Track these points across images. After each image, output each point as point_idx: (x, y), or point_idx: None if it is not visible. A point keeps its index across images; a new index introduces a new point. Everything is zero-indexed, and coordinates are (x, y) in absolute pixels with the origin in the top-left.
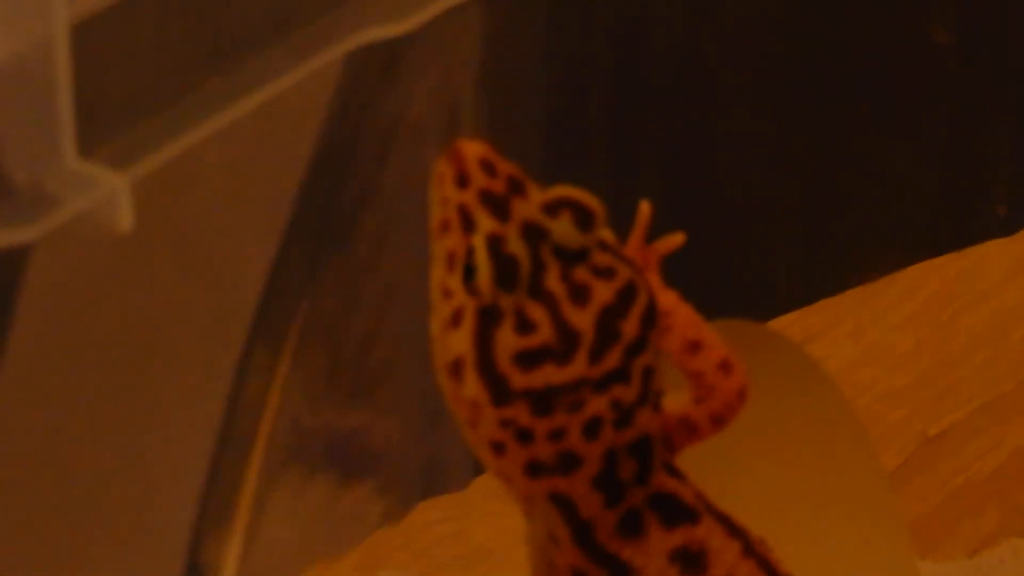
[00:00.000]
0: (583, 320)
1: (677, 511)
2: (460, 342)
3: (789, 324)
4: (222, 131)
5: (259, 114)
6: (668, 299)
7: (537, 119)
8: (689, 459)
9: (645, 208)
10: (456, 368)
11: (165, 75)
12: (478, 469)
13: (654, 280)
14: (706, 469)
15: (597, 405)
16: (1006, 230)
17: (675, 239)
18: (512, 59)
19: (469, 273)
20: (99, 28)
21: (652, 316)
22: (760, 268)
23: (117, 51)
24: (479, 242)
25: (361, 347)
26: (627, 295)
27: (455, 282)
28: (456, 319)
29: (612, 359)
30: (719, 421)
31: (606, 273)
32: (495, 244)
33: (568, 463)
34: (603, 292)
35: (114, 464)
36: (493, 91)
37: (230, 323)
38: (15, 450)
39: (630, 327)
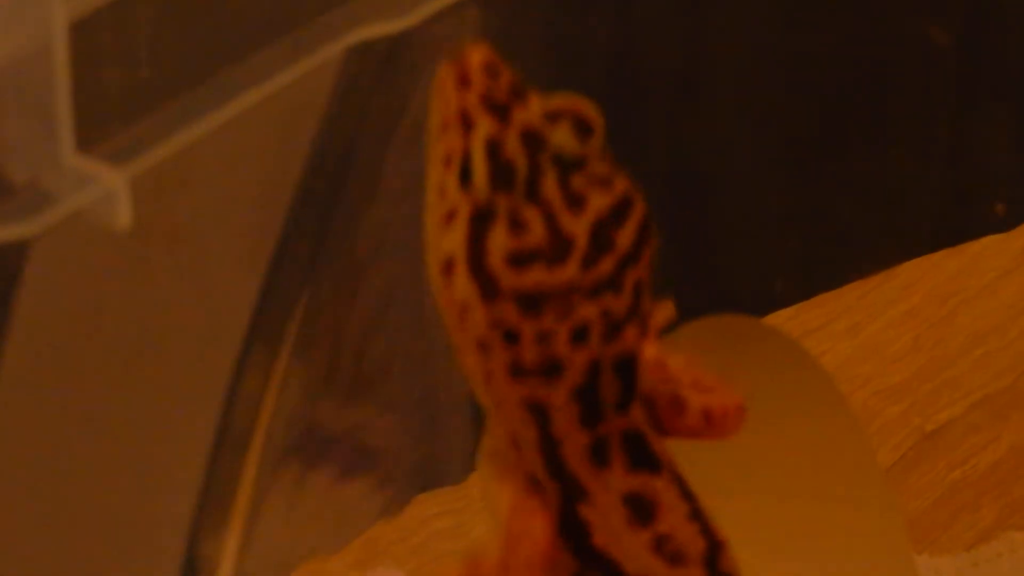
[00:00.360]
0: (577, 226)
1: (644, 456)
2: (453, 241)
3: (787, 319)
4: (221, 128)
5: (257, 111)
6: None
7: None
8: (686, 453)
9: (669, 309)
10: (448, 267)
11: (163, 72)
12: (475, 464)
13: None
14: (703, 463)
15: (587, 312)
16: (1004, 227)
17: (668, 312)
18: (510, 56)
19: (466, 174)
20: (97, 25)
21: (647, 230)
22: (758, 264)
23: (115, 47)
24: (477, 143)
25: (359, 343)
26: (623, 206)
27: (451, 182)
28: (450, 218)
29: (604, 267)
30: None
31: (603, 183)
32: (493, 146)
33: (552, 368)
34: (599, 201)
35: (112, 460)
36: None
37: (228, 319)
38: (13, 445)
39: (624, 238)
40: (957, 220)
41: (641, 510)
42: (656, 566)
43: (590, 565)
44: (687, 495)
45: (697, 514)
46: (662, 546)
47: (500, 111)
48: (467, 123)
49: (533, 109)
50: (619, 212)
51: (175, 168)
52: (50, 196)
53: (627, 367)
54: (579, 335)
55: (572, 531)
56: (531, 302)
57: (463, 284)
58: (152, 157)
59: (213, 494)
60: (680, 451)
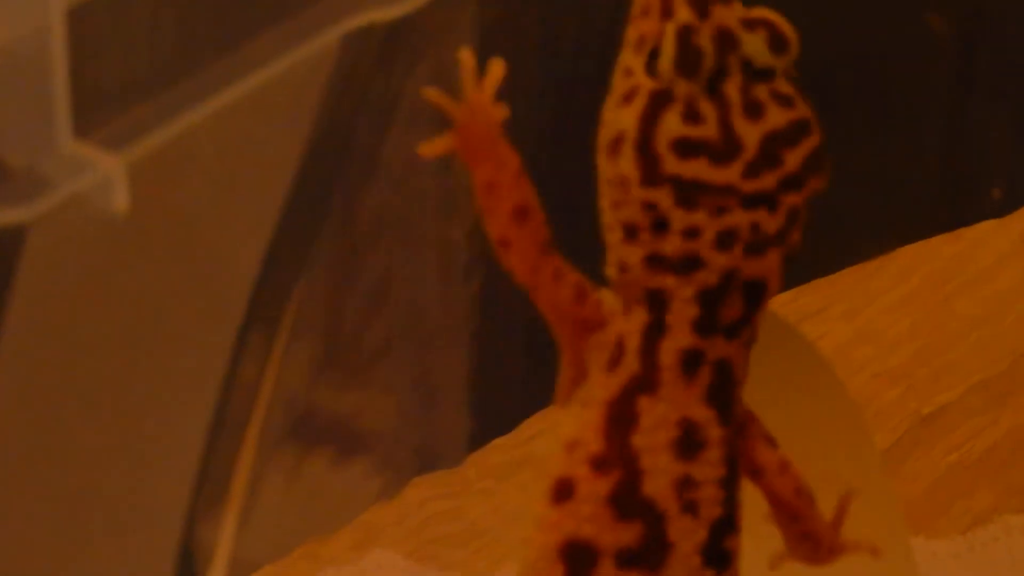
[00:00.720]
0: (750, 133)
1: (723, 400)
2: (627, 118)
3: (784, 304)
4: (218, 113)
5: (256, 96)
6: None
7: (533, 100)
8: None
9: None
10: (616, 144)
11: (161, 58)
12: (472, 446)
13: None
14: None
15: (738, 218)
16: (1001, 212)
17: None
18: (508, 40)
19: (653, 55)
20: (95, 11)
21: (819, 162)
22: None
23: (113, 35)
24: (670, 28)
25: (357, 327)
26: (800, 129)
27: (638, 64)
28: (629, 97)
29: (766, 181)
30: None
31: (785, 101)
32: (685, 33)
33: (690, 264)
34: (777, 116)
35: (110, 443)
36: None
37: (226, 303)
38: (11, 429)
39: (793, 159)
40: (954, 205)
41: (689, 442)
42: (670, 500)
43: (614, 457)
44: (732, 464)
45: (730, 485)
46: (685, 488)
47: (700, 5)
48: (666, 10)
49: (734, 12)
50: (794, 133)
51: (172, 154)
52: (47, 181)
53: (756, 292)
54: (724, 240)
55: (619, 415)
56: (687, 193)
57: (627, 162)
58: (149, 143)
59: (210, 477)
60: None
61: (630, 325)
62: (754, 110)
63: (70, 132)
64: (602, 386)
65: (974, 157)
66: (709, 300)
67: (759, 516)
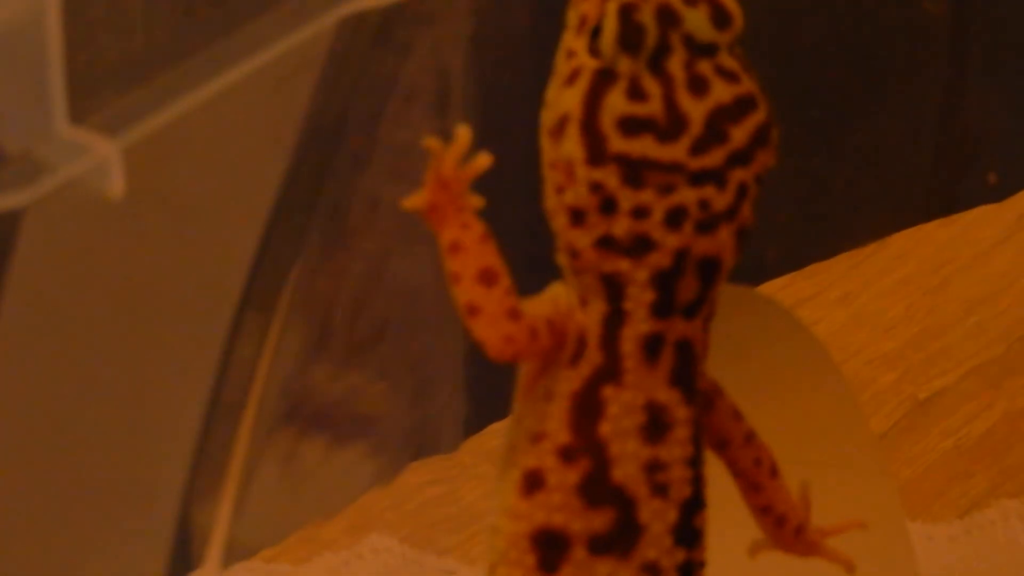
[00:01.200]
0: (695, 109)
1: (686, 378)
2: (570, 99)
3: (779, 288)
4: (213, 98)
5: (250, 82)
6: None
7: (528, 86)
8: None
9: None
10: (560, 126)
11: (156, 43)
12: (468, 431)
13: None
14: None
15: (686, 196)
16: (996, 196)
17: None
18: (503, 26)
19: (595, 35)
20: None
21: (765, 136)
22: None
23: (108, 20)
24: (612, 5)
25: (352, 312)
26: (745, 104)
27: (580, 44)
28: (572, 77)
29: (713, 158)
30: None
31: (730, 76)
32: (627, 11)
33: (641, 245)
34: (722, 91)
35: (105, 428)
36: (484, 58)
37: (222, 288)
38: (7, 413)
39: (740, 134)
40: (949, 190)
41: (655, 426)
42: (639, 484)
43: (581, 447)
44: (698, 441)
45: (697, 462)
46: (654, 471)
47: None
48: None
49: None
50: (740, 108)
51: (168, 138)
52: (43, 166)
53: (710, 270)
54: (674, 218)
55: (584, 406)
56: (634, 172)
57: (572, 143)
58: (145, 128)
59: (207, 461)
60: None
61: (589, 318)
62: (699, 86)
63: (66, 117)
64: (565, 379)
65: (969, 142)
66: (664, 282)
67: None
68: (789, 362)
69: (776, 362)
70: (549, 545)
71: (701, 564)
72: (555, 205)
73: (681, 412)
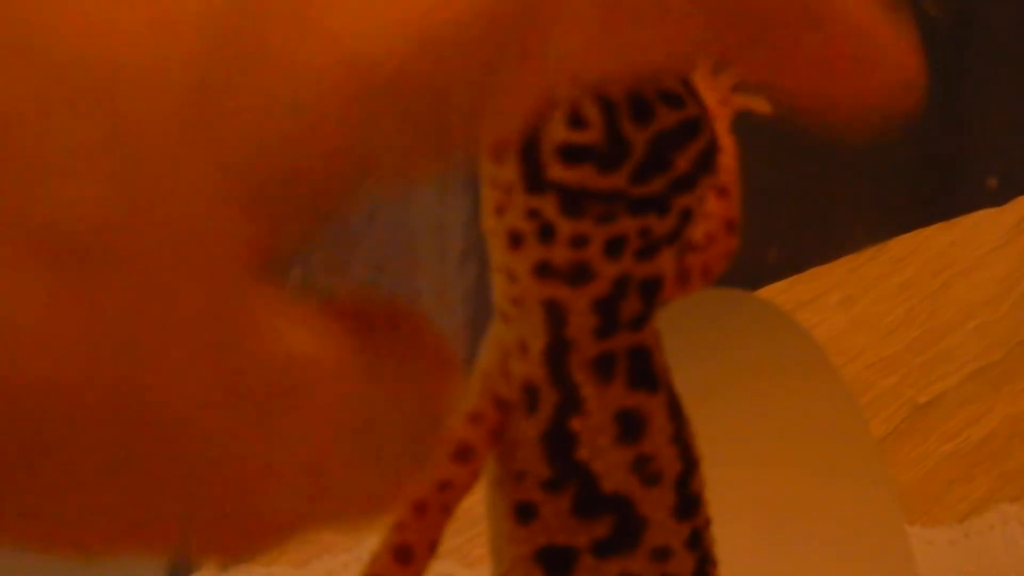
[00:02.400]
0: (637, 136)
1: (645, 375)
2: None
3: (779, 292)
4: None
5: None
6: (724, 142)
7: None
8: None
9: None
10: (499, 150)
11: None
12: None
13: (720, 124)
14: (697, 434)
15: (627, 225)
16: (996, 201)
17: (760, 103)
18: None
19: None
20: None
21: (709, 161)
22: (751, 237)
23: None
24: None
25: None
26: (689, 129)
27: None
28: None
29: (655, 185)
30: (707, 275)
31: (674, 101)
32: None
33: (580, 274)
34: (666, 117)
35: None
36: None
37: None
38: None
39: (683, 160)
40: (950, 194)
41: (631, 428)
42: (631, 485)
43: (566, 476)
44: (675, 414)
45: (680, 435)
46: (642, 467)
47: None
48: None
49: None
50: (684, 133)
51: None
52: None
53: (652, 289)
54: (614, 247)
55: (558, 443)
56: (573, 200)
57: (511, 168)
58: None
59: None
60: None
61: (530, 361)
62: (641, 111)
63: None
64: (531, 426)
65: (970, 147)
66: (606, 306)
67: (760, 514)
68: (789, 366)
69: (776, 366)
70: (555, 560)
71: (706, 524)
72: (493, 225)
73: (652, 403)
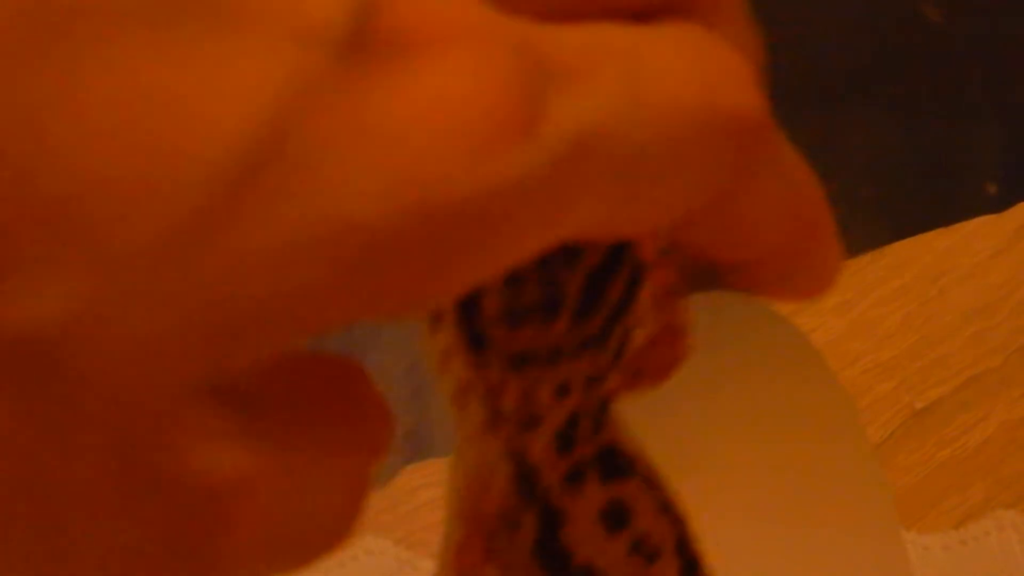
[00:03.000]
0: (571, 280)
1: (616, 465)
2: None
3: None
4: None
5: None
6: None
7: None
8: (676, 428)
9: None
10: (436, 318)
11: None
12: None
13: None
14: (692, 440)
15: (570, 368)
16: (995, 207)
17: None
18: None
19: None
20: None
21: (638, 276)
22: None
23: None
24: None
25: None
26: (613, 255)
27: None
28: None
29: (593, 324)
30: (659, 375)
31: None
32: None
33: (531, 421)
34: (592, 255)
35: None
36: None
37: None
38: None
39: (615, 291)
40: (949, 200)
41: (616, 518)
42: (636, 567)
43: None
44: (654, 485)
45: (665, 504)
46: (640, 547)
47: None
48: None
49: None
50: (610, 262)
51: None
52: None
53: (605, 406)
54: (561, 390)
55: (553, 558)
56: (518, 360)
57: (448, 336)
58: None
59: None
60: (670, 426)
61: (504, 495)
62: (569, 255)
63: None
64: (517, 545)
65: (969, 152)
66: (562, 434)
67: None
68: (785, 370)
69: (772, 370)
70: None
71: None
72: (439, 372)
73: (630, 487)
